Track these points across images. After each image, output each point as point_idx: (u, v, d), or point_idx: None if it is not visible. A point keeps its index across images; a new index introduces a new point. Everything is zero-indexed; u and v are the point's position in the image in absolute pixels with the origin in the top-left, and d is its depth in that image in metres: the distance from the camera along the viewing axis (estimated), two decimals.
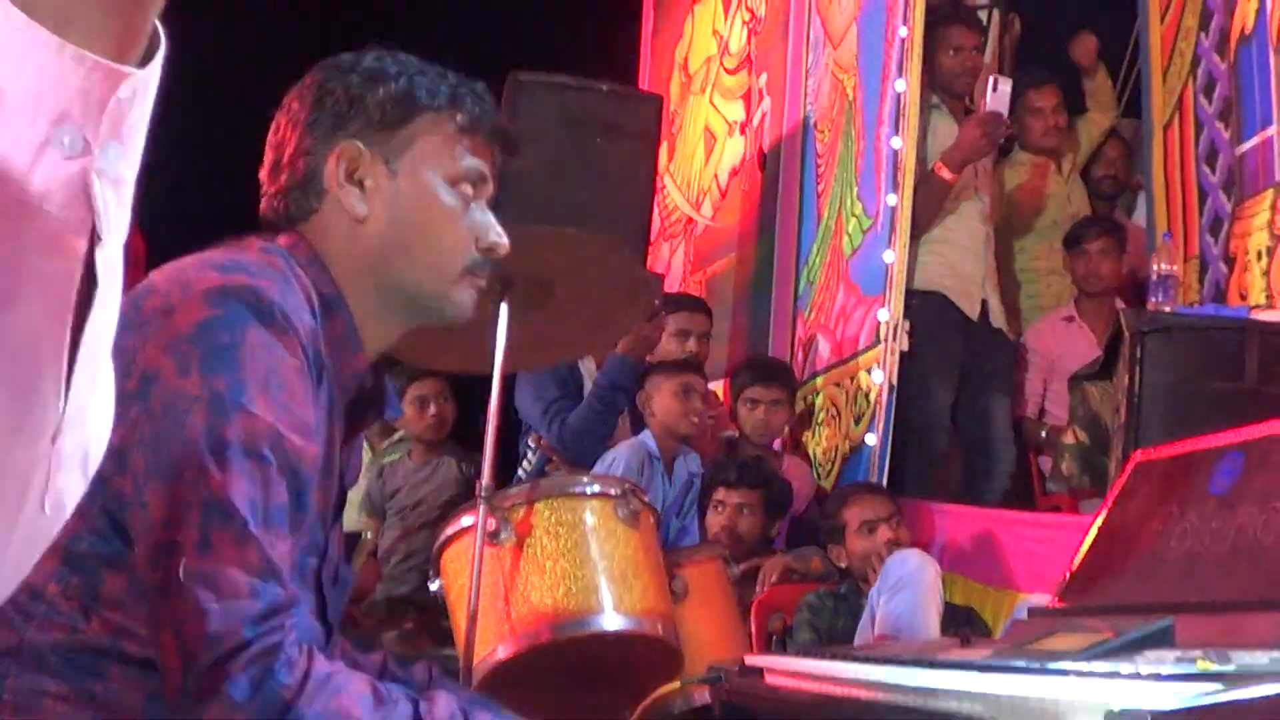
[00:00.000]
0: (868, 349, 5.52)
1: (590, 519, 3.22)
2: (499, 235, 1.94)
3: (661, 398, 4.88)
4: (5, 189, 0.78)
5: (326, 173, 1.87)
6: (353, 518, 5.58)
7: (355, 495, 5.47)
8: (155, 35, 0.83)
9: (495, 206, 1.98)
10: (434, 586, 3.32)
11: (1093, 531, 2.24)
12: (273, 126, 1.94)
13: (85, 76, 0.78)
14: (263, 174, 1.94)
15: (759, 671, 2.13)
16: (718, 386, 5.94)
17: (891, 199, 5.48)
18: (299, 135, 1.89)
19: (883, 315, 5.38)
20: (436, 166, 1.90)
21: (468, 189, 1.92)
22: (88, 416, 0.88)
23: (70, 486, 0.89)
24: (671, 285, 7.48)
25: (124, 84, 0.80)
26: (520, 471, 4.96)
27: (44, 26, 0.78)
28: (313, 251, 1.85)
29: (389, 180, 1.88)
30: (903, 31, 5.63)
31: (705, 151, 7.94)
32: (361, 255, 1.86)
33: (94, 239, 0.81)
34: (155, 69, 0.82)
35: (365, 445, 5.65)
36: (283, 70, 2.06)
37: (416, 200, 1.88)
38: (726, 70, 7.86)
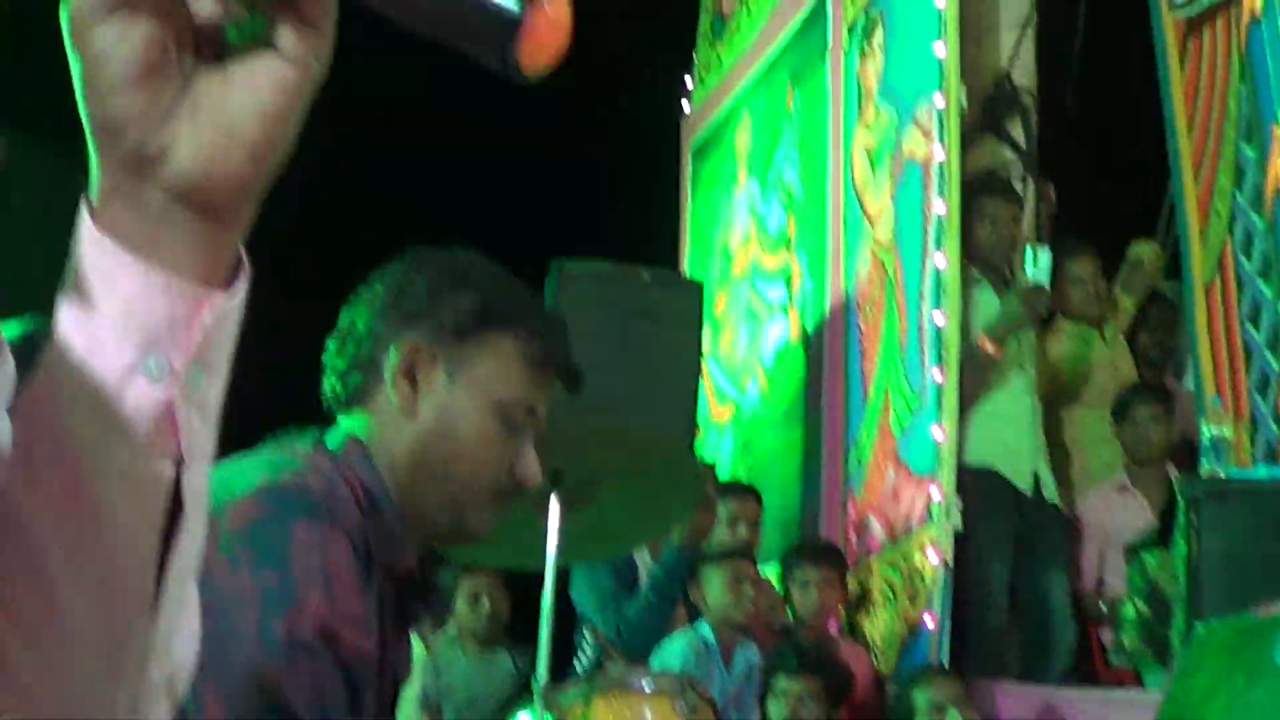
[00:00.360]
0: (920, 528, 5.48)
1: (649, 716, 3.18)
2: (534, 472, 1.93)
3: (713, 588, 4.83)
4: (96, 413, 0.78)
5: (388, 363, 1.88)
6: (408, 717, 5.50)
7: (409, 693, 5.40)
8: (240, 260, 0.84)
9: None
10: None
11: (1159, 711, 2.20)
12: (350, 299, 1.96)
13: (171, 303, 0.79)
14: (330, 345, 1.95)
15: None
16: (769, 570, 5.88)
17: (937, 375, 5.47)
18: (371, 318, 1.91)
19: (934, 494, 5.35)
20: (493, 388, 1.89)
21: (518, 417, 1.91)
22: (174, 642, 0.88)
23: (157, 715, 0.88)
24: (720, 470, 7.45)
25: (208, 310, 0.81)
26: (576, 664, 4.91)
27: (131, 252, 0.79)
28: (363, 449, 1.85)
29: (446, 387, 1.88)
30: (939, 208, 5.68)
31: (748, 333, 7.96)
32: (406, 452, 1.87)
33: (180, 462, 0.82)
34: (241, 293, 0.83)
35: (416, 640, 5.59)
36: (328, 264, 2.08)
37: (465, 415, 1.88)
38: (766, 251, 7.91)
